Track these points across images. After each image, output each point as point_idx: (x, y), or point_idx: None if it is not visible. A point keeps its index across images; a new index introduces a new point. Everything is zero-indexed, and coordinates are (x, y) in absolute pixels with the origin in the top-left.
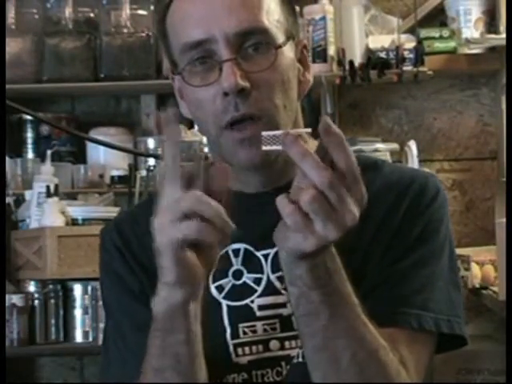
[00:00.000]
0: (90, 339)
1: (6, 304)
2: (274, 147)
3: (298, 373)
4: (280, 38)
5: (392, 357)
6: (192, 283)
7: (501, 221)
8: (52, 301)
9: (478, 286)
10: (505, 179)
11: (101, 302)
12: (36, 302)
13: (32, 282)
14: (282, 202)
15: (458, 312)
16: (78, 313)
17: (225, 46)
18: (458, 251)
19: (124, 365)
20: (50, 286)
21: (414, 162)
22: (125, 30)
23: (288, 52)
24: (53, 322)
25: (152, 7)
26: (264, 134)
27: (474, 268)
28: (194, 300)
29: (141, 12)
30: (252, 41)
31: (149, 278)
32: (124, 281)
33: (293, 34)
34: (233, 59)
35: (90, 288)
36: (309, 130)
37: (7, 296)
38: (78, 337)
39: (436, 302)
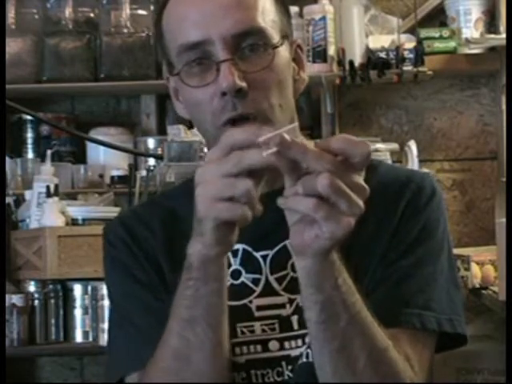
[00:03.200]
0: (90, 339)
1: (6, 304)
2: (272, 149)
3: (306, 373)
4: (276, 37)
5: (398, 354)
6: (227, 243)
7: (501, 221)
8: (52, 301)
9: (477, 286)
10: (505, 179)
11: (101, 302)
12: (36, 301)
13: (32, 282)
14: (299, 200)
15: (458, 310)
16: (77, 313)
17: (222, 47)
18: (458, 251)
19: (138, 350)
20: (50, 286)
21: (413, 162)
22: (125, 30)
23: (284, 52)
24: (53, 321)
25: (152, 7)
26: (261, 139)
27: (474, 268)
28: (226, 253)
29: (141, 12)
30: (249, 41)
31: (155, 270)
32: (132, 272)
33: (287, 33)
34: (230, 59)
35: (90, 288)
36: (295, 124)
37: (7, 296)
38: (78, 337)
39: (437, 301)
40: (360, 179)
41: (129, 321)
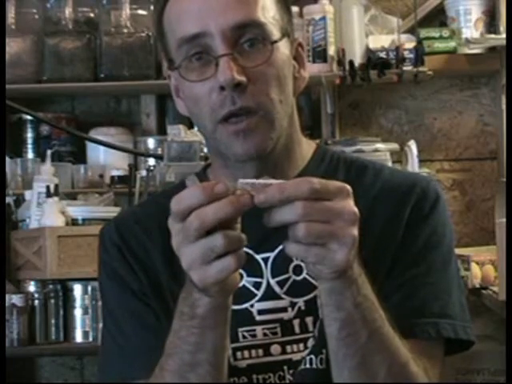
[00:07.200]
0: (90, 339)
1: (6, 304)
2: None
3: (305, 379)
4: (275, 34)
5: (418, 368)
6: (233, 285)
7: (501, 221)
8: (52, 301)
9: (478, 286)
10: (505, 179)
11: (101, 302)
12: (36, 301)
13: (32, 282)
14: (292, 248)
15: (468, 315)
16: (77, 313)
17: (221, 40)
18: (458, 251)
19: (125, 361)
20: (50, 286)
21: (413, 162)
22: (125, 30)
23: (283, 48)
24: (53, 322)
25: (152, 7)
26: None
27: (474, 268)
28: (233, 292)
29: (141, 12)
30: (248, 36)
31: (148, 277)
32: (124, 280)
33: (288, 31)
34: (229, 54)
35: (89, 288)
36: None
37: (7, 296)
38: (78, 337)
39: (452, 307)
40: (344, 203)
41: (118, 328)
